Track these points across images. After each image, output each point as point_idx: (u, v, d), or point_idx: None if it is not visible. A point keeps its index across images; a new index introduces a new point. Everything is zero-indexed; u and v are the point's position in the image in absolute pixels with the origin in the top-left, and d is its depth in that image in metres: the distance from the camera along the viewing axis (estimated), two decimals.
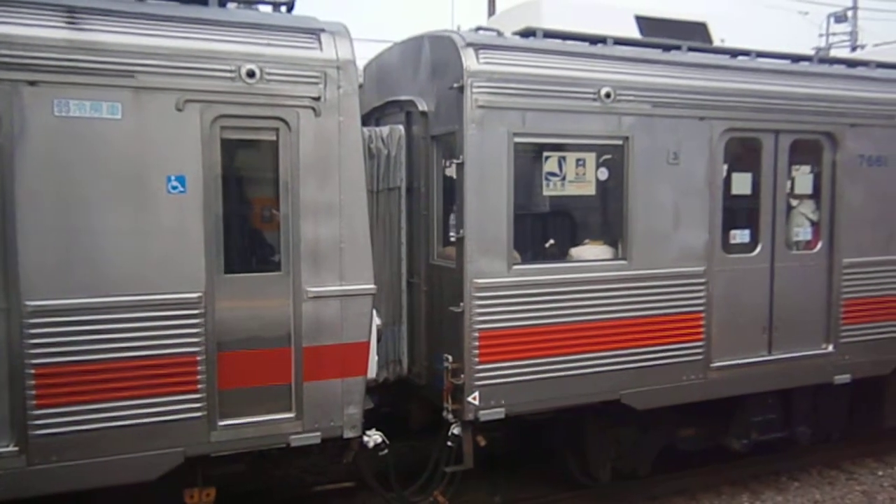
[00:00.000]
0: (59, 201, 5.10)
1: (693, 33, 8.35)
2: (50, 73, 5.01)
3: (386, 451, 6.46)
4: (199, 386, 5.54)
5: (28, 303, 5.04)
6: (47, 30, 5.04)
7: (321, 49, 5.78)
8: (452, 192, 6.82)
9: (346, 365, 6.01)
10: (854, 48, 36.20)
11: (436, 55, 6.84)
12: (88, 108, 5.13)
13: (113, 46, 5.17)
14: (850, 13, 37.69)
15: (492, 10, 21.37)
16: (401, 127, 7.23)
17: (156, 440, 5.44)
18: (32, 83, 4.97)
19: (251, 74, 5.52)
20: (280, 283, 5.81)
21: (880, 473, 9.01)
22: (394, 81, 7.70)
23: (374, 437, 6.37)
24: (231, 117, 5.53)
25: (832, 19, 37.76)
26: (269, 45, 5.62)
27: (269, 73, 5.59)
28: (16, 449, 5.10)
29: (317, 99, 5.73)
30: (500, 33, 6.88)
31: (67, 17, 5.11)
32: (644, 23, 8.10)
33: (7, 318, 5.03)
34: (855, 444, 9.25)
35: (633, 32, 7.98)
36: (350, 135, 5.88)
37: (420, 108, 7.04)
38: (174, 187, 5.38)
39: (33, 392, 5.10)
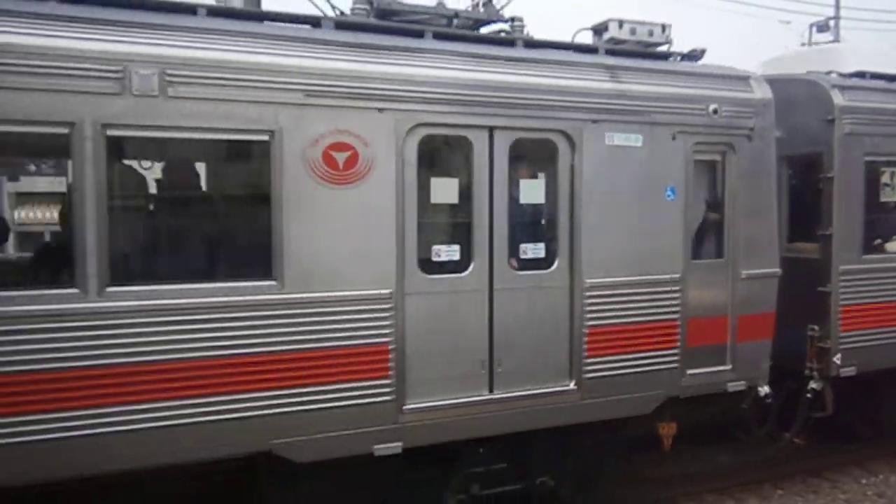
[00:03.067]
0: (603, 206, 7.01)
1: None
2: (603, 113, 6.95)
3: (770, 400, 8.32)
4: (678, 344, 7.43)
5: (586, 281, 6.95)
6: (600, 83, 6.98)
7: (752, 91, 7.72)
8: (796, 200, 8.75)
9: (762, 330, 7.91)
10: None
11: (796, 93, 8.75)
12: (623, 139, 7.06)
13: (638, 94, 7.11)
14: (831, 23, 39.01)
15: None
16: None
17: (649, 384, 7.32)
18: (595, 121, 6.91)
19: (715, 112, 7.45)
20: (723, 267, 7.72)
21: (864, 482, 9.14)
22: None
23: (764, 388, 8.22)
24: (701, 143, 7.45)
25: (814, 28, 39.06)
26: (723, 89, 7.56)
27: (724, 110, 7.52)
28: (575, 387, 7.00)
29: (751, 129, 7.66)
30: (840, 75, 8.82)
31: (610, 74, 7.05)
32: None
33: (571, 293, 6.94)
34: (838, 452, 9.57)
35: None
36: (768, 156, 7.81)
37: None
38: (669, 196, 7.30)
39: (585, 346, 7.00)
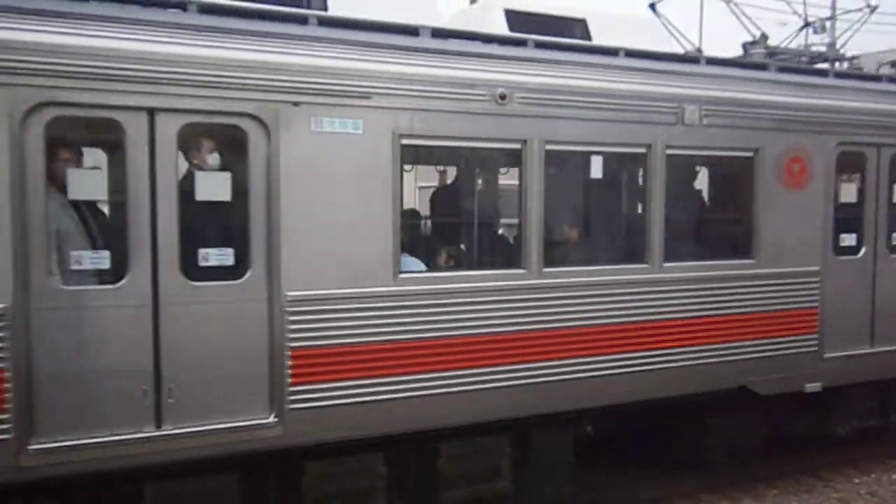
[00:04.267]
0: None
1: None
2: None
3: None
4: None
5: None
6: None
7: None
8: None
9: None
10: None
11: None
12: None
13: None
14: (828, 24, 40.79)
15: None
16: None
17: None
18: None
19: None
20: None
21: (857, 481, 9.12)
22: None
23: None
24: None
25: (810, 30, 40.77)
26: None
27: None
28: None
29: None
30: None
31: None
32: None
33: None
34: (832, 451, 9.55)
35: None
36: None
37: None
38: None
39: None
